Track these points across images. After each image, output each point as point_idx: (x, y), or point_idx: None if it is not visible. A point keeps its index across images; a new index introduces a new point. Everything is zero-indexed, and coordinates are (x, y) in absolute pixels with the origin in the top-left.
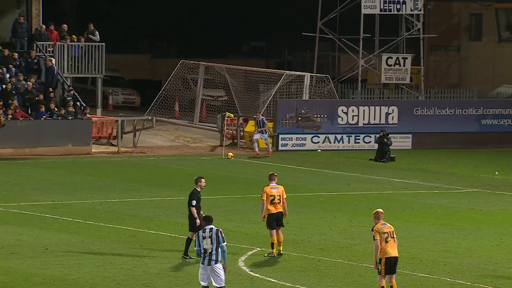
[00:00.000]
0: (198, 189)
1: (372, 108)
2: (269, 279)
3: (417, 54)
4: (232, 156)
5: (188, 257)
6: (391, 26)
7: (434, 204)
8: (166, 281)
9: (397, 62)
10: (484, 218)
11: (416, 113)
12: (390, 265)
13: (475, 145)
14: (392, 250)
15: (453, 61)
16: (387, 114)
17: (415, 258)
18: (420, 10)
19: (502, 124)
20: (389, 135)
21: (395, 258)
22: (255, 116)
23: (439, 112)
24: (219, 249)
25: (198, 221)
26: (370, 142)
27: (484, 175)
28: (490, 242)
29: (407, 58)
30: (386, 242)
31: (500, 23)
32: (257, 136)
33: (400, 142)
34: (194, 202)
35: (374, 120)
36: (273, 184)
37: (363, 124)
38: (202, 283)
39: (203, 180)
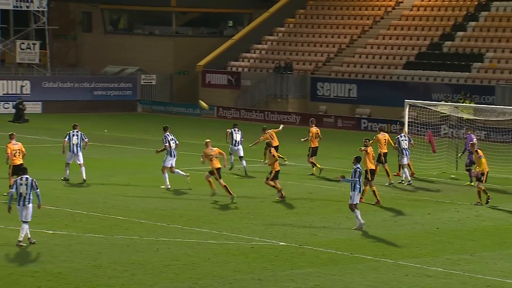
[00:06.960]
0: None
1: (10, 81)
2: None
3: (44, 40)
4: None
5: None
6: (23, 19)
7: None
8: None
9: (28, 46)
10: (97, 164)
11: (45, 85)
12: None
13: (89, 110)
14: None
15: (71, 47)
16: (22, 86)
17: None
18: (45, 8)
19: (109, 94)
20: (24, 102)
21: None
22: None
23: (62, 85)
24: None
25: None
26: (8, 108)
27: (96, 132)
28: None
29: (35, 43)
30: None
31: (106, 19)
32: None
33: (32, 107)
34: None
35: (11, 91)
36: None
37: (3, 94)
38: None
39: None
